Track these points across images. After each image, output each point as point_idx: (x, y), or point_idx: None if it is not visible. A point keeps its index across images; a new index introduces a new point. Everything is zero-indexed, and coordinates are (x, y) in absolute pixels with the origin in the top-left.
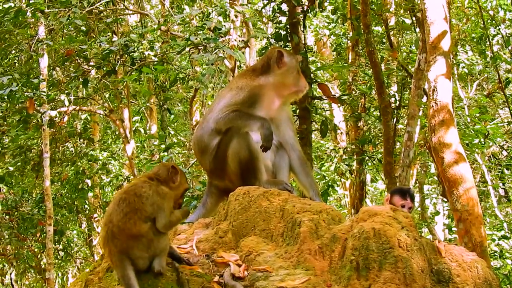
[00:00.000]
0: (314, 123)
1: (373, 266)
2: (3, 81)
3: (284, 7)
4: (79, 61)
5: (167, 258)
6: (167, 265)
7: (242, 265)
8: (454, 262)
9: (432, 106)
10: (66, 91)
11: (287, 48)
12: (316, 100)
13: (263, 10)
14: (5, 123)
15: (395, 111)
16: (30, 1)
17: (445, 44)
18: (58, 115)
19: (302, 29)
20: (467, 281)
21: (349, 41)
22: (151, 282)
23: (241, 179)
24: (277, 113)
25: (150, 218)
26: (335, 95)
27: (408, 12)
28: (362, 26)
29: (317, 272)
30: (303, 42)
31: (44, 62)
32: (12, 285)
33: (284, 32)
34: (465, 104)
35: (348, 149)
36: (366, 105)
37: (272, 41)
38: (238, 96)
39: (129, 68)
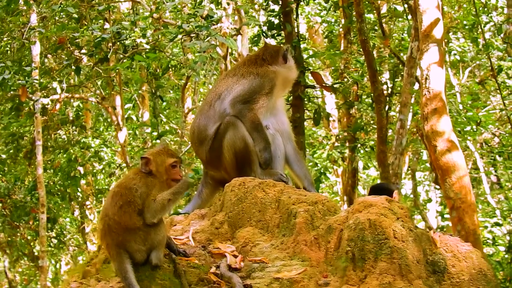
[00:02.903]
0: (307, 111)
1: (368, 257)
2: None
3: None
4: (71, 48)
5: (164, 250)
6: (164, 256)
7: (238, 256)
8: (449, 253)
9: (425, 94)
10: (58, 79)
11: (280, 37)
12: (309, 89)
13: None
14: None
15: (387, 98)
16: None
17: (438, 32)
18: (50, 103)
19: (295, 17)
20: (462, 271)
21: (341, 29)
22: (148, 274)
23: (237, 170)
24: (279, 101)
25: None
26: (327, 84)
27: None
28: (355, 15)
29: (313, 263)
30: (296, 30)
31: (36, 49)
32: (6, 273)
33: (277, 21)
34: (457, 91)
35: (340, 136)
36: (358, 93)
37: (264, 28)
38: (257, 82)
39: (121, 56)
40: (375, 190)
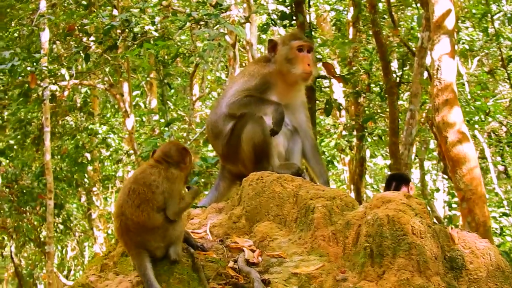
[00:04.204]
0: (317, 101)
1: (387, 253)
2: (5, 55)
3: None
4: (80, 35)
5: (183, 244)
6: (182, 251)
7: (256, 251)
8: (467, 249)
9: (436, 85)
10: (67, 66)
11: (292, 27)
12: (320, 79)
13: None
14: (6, 96)
15: (397, 87)
16: None
17: (449, 23)
18: (58, 89)
19: (307, 8)
20: (480, 268)
21: (349, 17)
22: (166, 268)
23: (254, 164)
24: (290, 99)
25: (162, 208)
26: (339, 74)
27: None
28: (367, 6)
29: (331, 258)
30: (308, 21)
31: (45, 36)
32: (12, 258)
33: (289, 11)
34: (466, 81)
35: (348, 125)
36: (368, 82)
37: (273, 16)
38: (250, 82)
39: (130, 43)
40: (394, 178)
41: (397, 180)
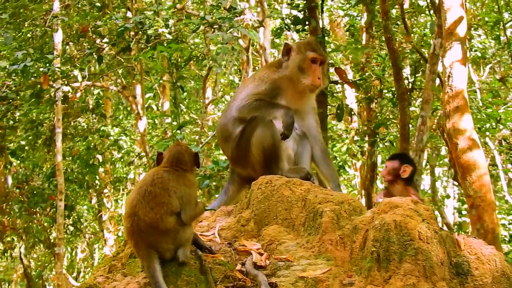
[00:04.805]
0: (329, 106)
1: (393, 258)
2: (17, 55)
3: None
4: (93, 37)
5: (191, 246)
6: (191, 253)
7: (264, 254)
8: (473, 255)
9: (447, 92)
10: (79, 67)
11: (305, 32)
12: (332, 84)
13: None
14: (18, 97)
15: (409, 94)
16: None
17: (461, 30)
18: (71, 90)
19: (320, 12)
20: (485, 274)
21: (363, 23)
22: (174, 270)
23: (264, 168)
24: (301, 105)
25: (176, 212)
26: (351, 80)
27: None
28: (380, 12)
29: (338, 262)
30: (321, 26)
31: (58, 37)
32: (21, 259)
33: (302, 16)
34: (478, 88)
35: (360, 130)
36: (380, 88)
37: (287, 21)
38: (260, 87)
39: (143, 46)
40: (398, 157)
41: (400, 158)
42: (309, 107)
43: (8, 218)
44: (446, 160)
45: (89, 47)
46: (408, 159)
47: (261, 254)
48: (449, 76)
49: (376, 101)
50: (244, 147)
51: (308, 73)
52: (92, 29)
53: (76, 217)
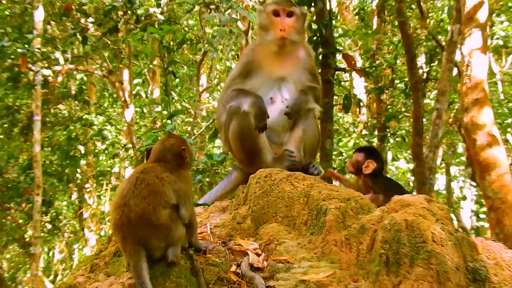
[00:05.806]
0: (336, 96)
1: (404, 261)
2: None
3: None
4: (78, 16)
5: (183, 243)
6: (181, 252)
7: (261, 255)
8: (492, 260)
9: (466, 82)
10: (61, 49)
11: (309, 14)
12: (339, 72)
13: None
14: None
15: (423, 84)
16: None
17: (482, 15)
18: (51, 74)
19: None
20: (505, 281)
21: (374, 6)
22: (163, 270)
23: (246, 161)
24: (287, 70)
25: (170, 204)
26: (360, 67)
27: None
28: None
29: (343, 265)
30: (328, 8)
31: (39, 15)
32: None
33: None
34: (499, 79)
35: (369, 124)
36: (392, 77)
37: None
38: (236, 70)
39: (133, 26)
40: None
41: (366, 152)
42: (300, 69)
43: None
44: (463, 158)
45: (72, 27)
46: (376, 154)
47: (258, 255)
48: (467, 66)
49: (387, 91)
50: (228, 141)
51: (271, 28)
52: (76, 7)
53: (54, 214)
